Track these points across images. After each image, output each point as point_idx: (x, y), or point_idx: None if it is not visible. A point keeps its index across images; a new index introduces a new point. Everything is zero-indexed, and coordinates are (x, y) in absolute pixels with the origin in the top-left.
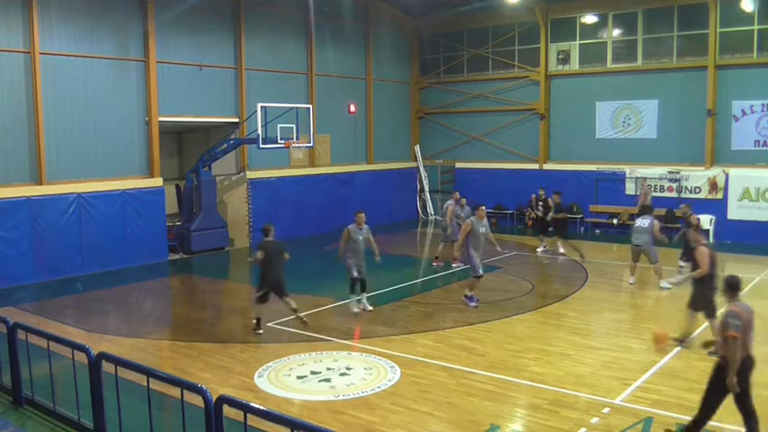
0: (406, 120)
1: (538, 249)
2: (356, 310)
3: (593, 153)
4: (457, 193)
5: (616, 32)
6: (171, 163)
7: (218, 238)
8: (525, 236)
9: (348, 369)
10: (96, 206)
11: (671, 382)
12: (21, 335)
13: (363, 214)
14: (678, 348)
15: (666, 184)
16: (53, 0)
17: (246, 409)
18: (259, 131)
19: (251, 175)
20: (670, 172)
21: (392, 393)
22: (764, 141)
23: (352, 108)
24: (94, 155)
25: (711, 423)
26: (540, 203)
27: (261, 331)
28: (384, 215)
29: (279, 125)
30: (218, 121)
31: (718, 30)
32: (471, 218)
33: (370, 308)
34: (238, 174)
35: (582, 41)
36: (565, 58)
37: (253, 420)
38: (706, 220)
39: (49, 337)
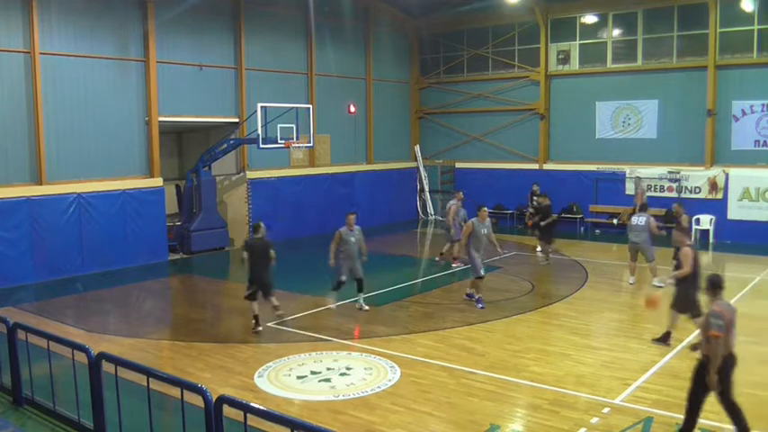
0: (406, 120)
1: (537, 249)
2: (333, 306)
3: (593, 153)
4: (461, 192)
5: (616, 32)
6: (171, 163)
7: (218, 238)
8: (525, 236)
9: (348, 369)
10: (96, 206)
11: (671, 382)
12: (21, 335)
13: (354, 216)
14: (678, 348)
15: (666, 184)
16: (53, 0)
17: (246, 409)
18: (259, 131)
19: (251, 175)
20: (670, 172)
21: (392, 393)
22: (764, 141)
23: (352, 108)
24: (94, 155)
25: (711, 423)
26: (535, 198)
27: (260, 328)
28: (384, 215)
29: (279, 125)
30: (218, 121)
31: (718, 30)
32: (473, 219)
33: (366, 308)
34: (238, 174)
35: (582, 41)
36: (565, 58)
37: (253, 420)
38: (706, 220)
39: (49, 337)
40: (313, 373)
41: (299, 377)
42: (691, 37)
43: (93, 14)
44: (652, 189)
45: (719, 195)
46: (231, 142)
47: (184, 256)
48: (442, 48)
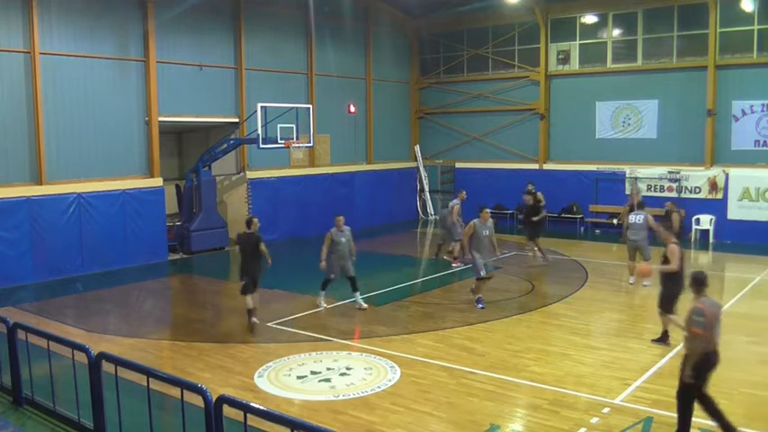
0: (406, 120)
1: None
2: (323, 305)
3: (593, 153)
4: (464, 192)
5: (616, 32)
6: (171, 163)
7: (218, 238)
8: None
9: (348, 369)
10: (96, 206)
11: (671, 382)
12: (21, 335)
13: (342, 217)
14: (678, 348)
15: (666, 184)
16: (53, 0)
17: (246, 409)
18: (259, 131)
19: (251, 175)
20: (670, 172)
21: (392, 393)
22: (764, 141)
23: (352, 108)
24: (94, 155)
25: (711, 423)
26: (530, 198)
27: (255, 319)
28: (384, 215)
29: (279, 125)
30: (218, 121)
31: (718, 30)
32: (475, 220)
33: (365, 306)
34: (238, 174)
35: (582, 41)
36: (565, 58)
37: (253, 420)
38: (706, 220)
39: (49, 337)
40: (313, 373)
41: (299, 377)
42: (691, 37)
43: (93, 14)
44: (652, 189)
45: (719, 195)
46: (231, 142)
47: (184, 256)
48: (442, 48)
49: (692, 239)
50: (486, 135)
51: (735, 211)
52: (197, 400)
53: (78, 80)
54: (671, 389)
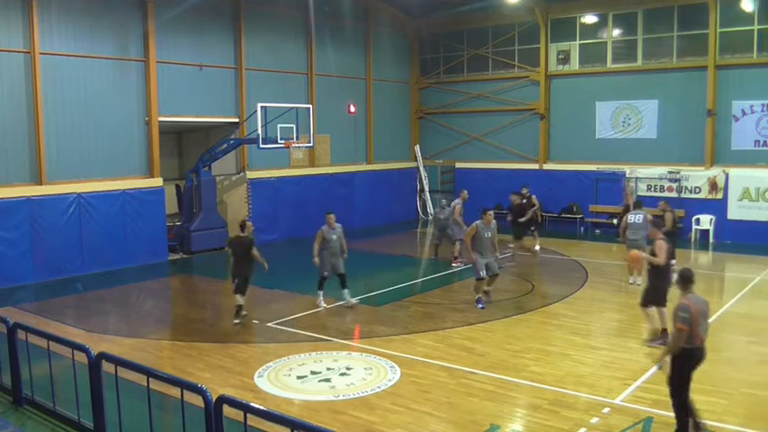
0: (406, 120)
1: (536, 248)
2: (323, 305)
3: (593, 153)
4: (465, 192)
5: (616, 32)
6: (171, 163)
7: (218, 238)
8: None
9: (348, 369)
10: (96, 206)
11: None
12: (21, 335)
13: (333, 215)
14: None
15: (666, 184)
16: (53, 0)
17: (246, 409)
18: (259, 131)
19: (251, 175)
20: (670, 172)
21: (392, 393)
22: (764, 141)
23: (352, 108)
24: (94, 155)
25: (711, 423)
26: (524, 201)
27: (244, 313)
28: (384, 215)
29: (279, 125)
30: (218, 121)
31: (718, 30)
32: (478, 221)
33: (353, 301)
34: (238, 174)
35: (582, 41)
36: (565, 58)
37: (253, 420)
38: (706, 220)
39: (49, 337)
40: (313, 373)
41: (299, 377)
42: (691, 37)
43: (93, 14)
44: (652, 189)
45: (719, 195)
46: (231, 142)
47: (184, 256)
48: (442, 48)
49: (692, 239)
50: (486, 135)
51: (735, 211)
52: (197, 400)
53: (78, 80)
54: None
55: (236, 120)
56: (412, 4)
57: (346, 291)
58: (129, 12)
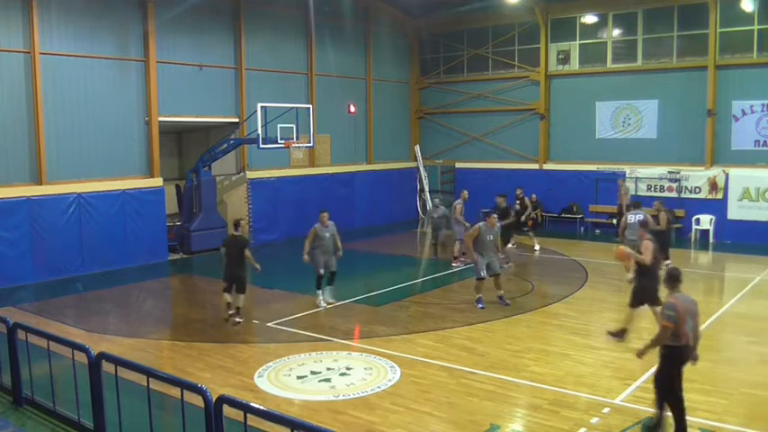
0: (406, 120)
1: (535, 248)
2: (323, 305)
3: (593, 153)
4: (466, 192)
5: (616, 32)
6: (171, 163)
7: (218, 238)
8: (525, 236)
9: (348, 369)
10: (96, 206)
11: None
12: (21, 335)
13: (327, 213)
14: None
15: (666, 184)
16: (53, 0)
17: (246, 409)
18: (259, 131)
19: (251, 175)
20: (670, 172)
21: (392, 393)
22: (764, 141)
23: (352, 108)
24: (94, 155)
25: (711, 423)
26: (518, 202)
27: (231, 311)
28: (384, 215)
29: (279, 125)
30: (218, 121)
31: (718, 30)
32: (481, 224)
33: (332, 301)
34: (238, 174)
35: (582, 41)
36: (565, 58)
37: (253, 420)
38: (706, 220)
39: (49, 337)
40: (313, 373)
41: (299, 377)
42: (691, 37)
43: (93, 14)
44: (652, 189)
45: (719, 195)
46: (231, 142)
47: (184, 256)
48: (442, 48)
49: (692, 239)
50: (486, 135)
51: (735, 211)
52: (197, 400)
53: (78, 80)
54: None
55: (236, 120)
56: (412, 4)
57: (329, 288)
58: (129, 12)
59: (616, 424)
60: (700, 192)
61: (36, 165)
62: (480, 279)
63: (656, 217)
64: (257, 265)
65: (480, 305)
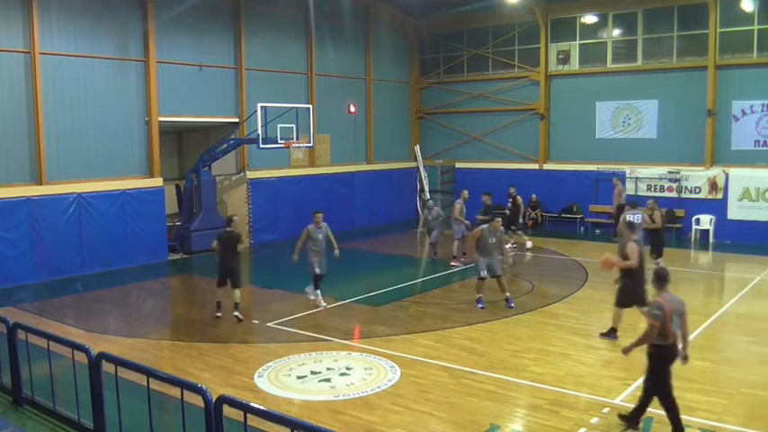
0: (406, 120)
1: (527, 245)
2: (323, 303)
3: (593, 153)
4: (466, 192)
5: (616, 32)
6: (171, 163)
7: None
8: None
9: (348, 369)
10: (96, 206)
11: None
12: (21, 335)
13: (321, 214)
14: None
15: (666, 184)
16: (53, 0)
17: (246, 409)
18: (259, 131)
19: (251, 175)
20: (670, 172)
21: (392, 393)
22: (764, 141)
23: (352, 108)
24: (94, 155)
25: (711, 423)
26: (510, 201)
27: (219, 314)
28: (384, 215)
29: (279, 125)
30: (218, 121)
31: (718, 30)
32: (484, 226)
33: (312, 297)
34: (238, 174)
35: (582, 41)
36: (565, 58)
37: (253, 420)
38: (706, 220)
39: (49, 337)
40: (313, 373)
41: (299, 377)
42: (691, 37)
43: (93, 14)
44: (652, 189)
45: (719, 195)
46: (231, 142)
47: (184, 256)
48: (442, 48)
49: (692, 239)
50: (486, 135)
51: (735, 211)
52: (197, 400)
53: (78, 80)
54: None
55: (236, 120)
56: (412, 4)
57: (311, 286)
58: (129, 12)
59: (616, 424)
60: (700, 192)
61: (36, 165)
62: (481, 279)
63: (650, 216)
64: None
65: (480, 305)
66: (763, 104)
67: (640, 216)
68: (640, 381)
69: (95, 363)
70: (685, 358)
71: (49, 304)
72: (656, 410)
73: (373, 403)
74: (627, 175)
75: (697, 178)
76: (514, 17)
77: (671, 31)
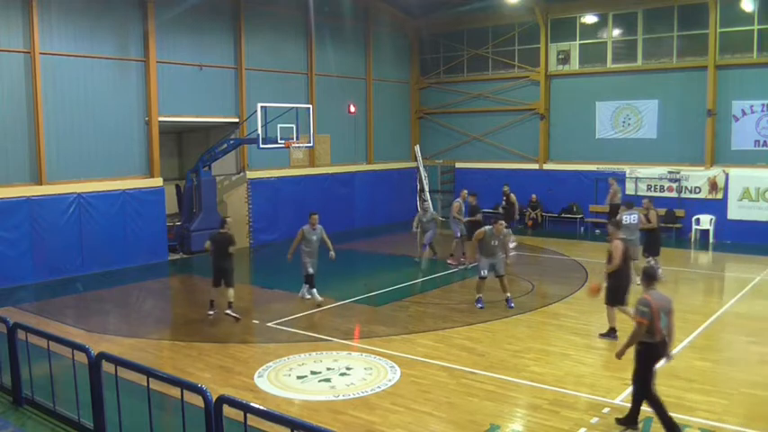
0: (406, 120)
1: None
2: (320, 298)
3: (593, 153)
4: (465, 191)
5: (616, 32)
6: (171, 163)
7: None
8: (525, 236)
9: (348, 369)
10: (96, 206)
11: (670, 382)
12: (21, 335)
13: (317, 216)
14: (677, 349)
15: (666, 184)
16: (53, 0)
17: (246, 409)
18: (259, 131)
19: (251, 175)
20: (670, 172)
21: (392, 393)
22: (764, 141)
23: (352, 108)
24: (94, 155)
25: (711, 423)
26: (504, 199)
27: (212, 312)
28: (384, 215)
29: (279, 125)
30: (218, 121)
31: (718, 30)
32: (487, 228)
33: (308, 297)
34: (238, 174)
35: (582, 41)
36: (565, 58)
37: (253, 420)
38: (706, 220)
39: (49, 337)
40: (313, 373)
41: (299, 377)
42: (691, 37)
43: (93, 14)
44: (652, 189)
45: (719, 195)
46: (231, 142)
47: (184, 256)
48: (442, 48)
49: (692, 239)
50: (486, 135)
51: (735, 211)
52: (197, 400)
53: (78, 80)
54: (670, 389)
55: (236, 120)
56: (412, 4)
57: (307, 287)
58: (129, 12)
59: (616, 425)
60: (700, 192)
61: (36, 165)
62: (481, 278)
63: (646, 216)
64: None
65: (479, 305)
66: (763, 104)
67: (636, 216)
68: None
69: (95, 363)
70: (669, 356)
71: (49, 304)
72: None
73: (373, 403)
74: (627, 175)
75: (697, 178)
76: (514, 17)
77: (671, 31)
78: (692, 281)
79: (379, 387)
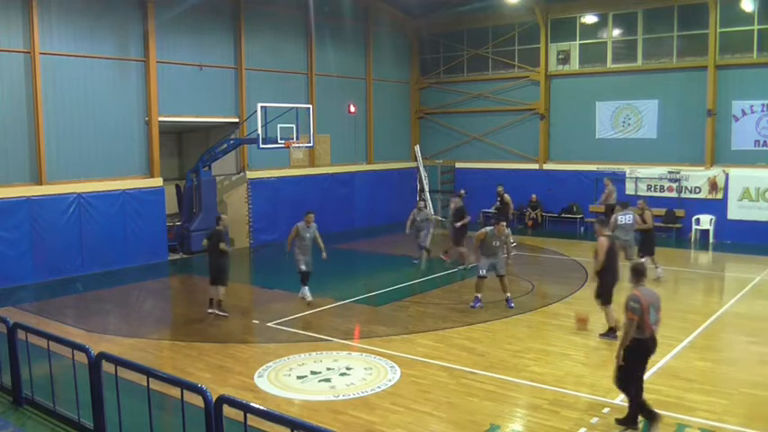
0: (406, 120)
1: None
2: (309, 297)
3: (593, 153)
4: (463, 191)
5: (616, 32)
6: (171, 163)
7: None
8: (525, 236)
9: (348, 369)
10: (96, 206)
11: (671, 382)
12: (21, 335)
13: (313, 215)
14: (678, 349)
15: (666, 184)
16: (53, 0)
17: (246, 409)
18: (259, 131)
19: (251, 175)
20: (670, 172)
21: (392, 393)
22: (764, 141)
23: (352, 108)
24: (94, 155)
25: (711, 423)
26: (498, 200)
27: (211, 310)
28: (384, 215)
29: (279, 125)
30: (218, 121)
31: (718, 30)
32: (488, 228)
33: (309, 297)
34: (238, 174)
35: (582, 41)
36: (565, 58)
37: (253, 420)
38: (706, 220)
39: (49, 337)
40: (313, 373)
41: (299, 377)
42: (691, 37)
43: (93, 14)
44: (652, 189)
45: (719, 195)
46: (231, 142)
47: (184, 256)
48: (442, 48)
49: (692, 239)
50: (486, 135)
51: (735, 211)
52: (197, 400)
53: (78, 80)
54: (670, 389)
55: (236, 120)
56: (412, 4)
57: (305, 288)
58: (129, 12)
59: (616, 425)
60: (700, 192)
61: (36, 165)
62: (481, 278)
63: (641, 216)
64: (228, 249)
65: (476, 305)
66: (763, 104)
67: (631, 216)
68: None
69: (95, 363)
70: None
71: (49, 304)
72: (656, 410)
73: (373, 403)
74: (627, 175)
75: (697, 178)
76: (514, 17)
77: (671, 31)
78: (692, 281)
79: (379, 387)
